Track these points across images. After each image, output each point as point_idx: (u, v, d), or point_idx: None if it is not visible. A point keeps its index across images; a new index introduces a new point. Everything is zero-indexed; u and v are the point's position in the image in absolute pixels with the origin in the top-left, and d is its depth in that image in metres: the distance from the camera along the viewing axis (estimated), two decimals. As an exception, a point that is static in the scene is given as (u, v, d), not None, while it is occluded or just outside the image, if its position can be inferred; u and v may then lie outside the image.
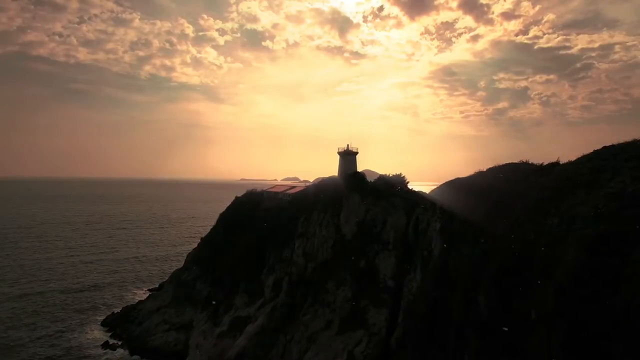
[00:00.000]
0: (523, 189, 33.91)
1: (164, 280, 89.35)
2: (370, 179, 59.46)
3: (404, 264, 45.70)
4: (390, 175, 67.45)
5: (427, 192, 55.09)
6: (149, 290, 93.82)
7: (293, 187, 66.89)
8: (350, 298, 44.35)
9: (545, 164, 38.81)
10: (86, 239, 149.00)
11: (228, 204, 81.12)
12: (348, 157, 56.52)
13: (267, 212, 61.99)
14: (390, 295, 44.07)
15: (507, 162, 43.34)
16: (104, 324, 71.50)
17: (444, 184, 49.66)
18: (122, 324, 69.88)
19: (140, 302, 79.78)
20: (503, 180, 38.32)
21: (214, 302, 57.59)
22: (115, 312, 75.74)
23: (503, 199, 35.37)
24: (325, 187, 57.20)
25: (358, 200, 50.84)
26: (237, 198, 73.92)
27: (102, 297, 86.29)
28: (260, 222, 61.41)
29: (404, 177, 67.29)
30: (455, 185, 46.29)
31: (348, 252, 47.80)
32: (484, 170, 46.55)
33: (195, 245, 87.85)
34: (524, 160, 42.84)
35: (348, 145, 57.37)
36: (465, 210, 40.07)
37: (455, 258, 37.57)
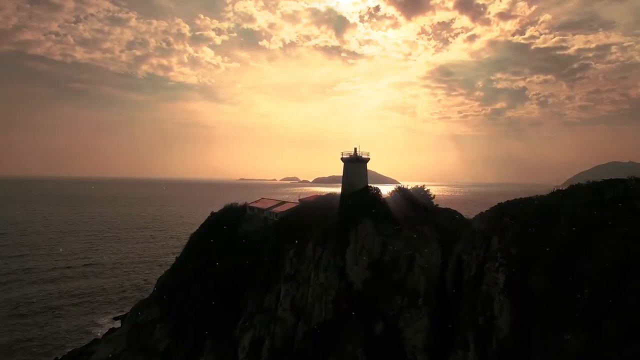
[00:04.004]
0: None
1: (140, 300, 73.77)
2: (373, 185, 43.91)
3: (444, 331, 30.15)
4: (410, 188, 51.76)
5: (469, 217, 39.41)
6: (115, 318, 78.51)
7: (282, 202, 51.29)
8: (362, 388, 28.74)
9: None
10: (58, 248, 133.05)
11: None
12: (356, 165, 40.91)
13: (247, 237, 46.36)
14: (424, 383, 28.53)
15: (611, 177, 27.58)
16: (41, 375, 56.03)
17: (496, 207, 33.81)
18: (63, 377, 54.57)
19: (96, 340, 64.33)
20: (622, 208, 22.60)
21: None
22: (60, 358, 60.15)
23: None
24: (324, 205, 41.54)
25: (371, 228, 35.13)
26: (212, 214, 58.30)
27: (54, 330, 70.52)
28: (238, 250, 45.82)
29: (427, 190, 51.53)
30: (518, 212, 30.49)
31: (358, 310, 32.14)
32: (563, 187, 30.86)
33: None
34: None
35: (356, 149, 41.66)
36: (550, 255, 24.49)
37: (542, 345, 21.97)
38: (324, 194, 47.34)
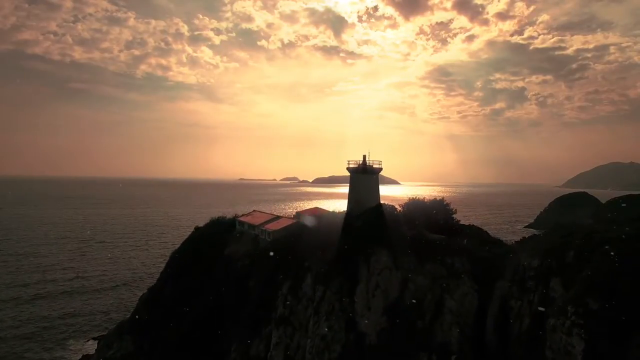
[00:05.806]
0: None
1: (118, 323, 65.58)
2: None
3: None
4: (426, 200, 43.75)
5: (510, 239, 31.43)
6: (94, 339, 70.46)
7: (277, 217, 43.43)
8: None
9: None
10: (44, 257, 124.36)
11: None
12: (365, 177, 32.99)
13: (234, 262, 38.55)
14: None
15: None
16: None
17: (552, 235, 26.01)
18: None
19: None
20: None
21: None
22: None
23: None
24: (327, 226, 33.68)
25: (387, 261, 27.35)
26: (196, 229, 50.42)
27: (22, 354, 62.45)
28: (222, 279, 38.02)
29: (447, 203, 43.42)
30: (591, 246, 22.70)
31: (371, 372, 24.41)
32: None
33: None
34: None
35: (365, 156, 33.57)
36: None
37: None
38: (326, 212, 39.38)
